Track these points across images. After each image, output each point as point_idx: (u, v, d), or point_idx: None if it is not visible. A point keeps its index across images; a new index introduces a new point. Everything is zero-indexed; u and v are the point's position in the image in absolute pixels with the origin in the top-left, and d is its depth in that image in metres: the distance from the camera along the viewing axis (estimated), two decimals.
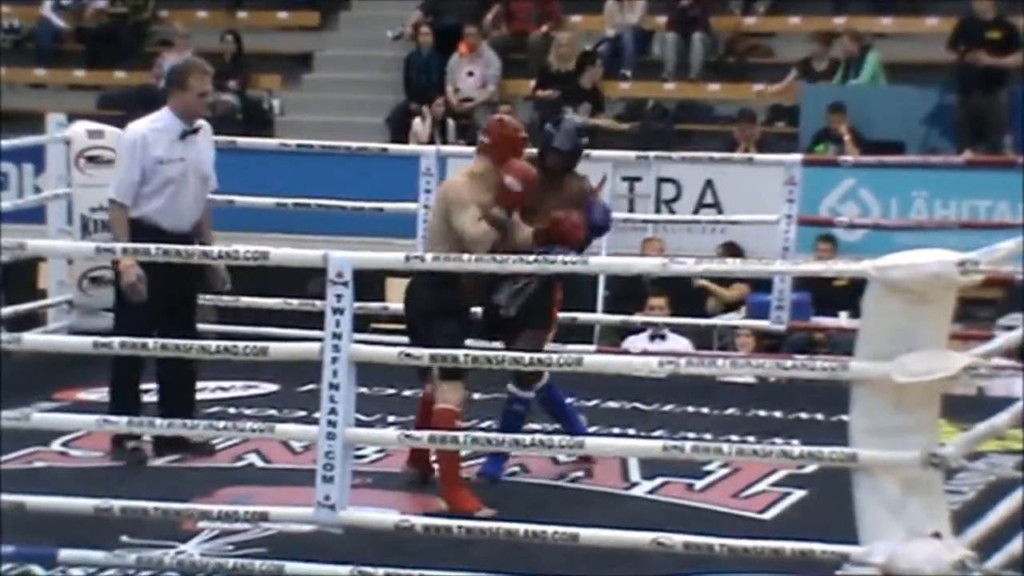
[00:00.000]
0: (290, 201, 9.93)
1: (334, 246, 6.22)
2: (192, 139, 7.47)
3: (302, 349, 5.87)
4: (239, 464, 7.33)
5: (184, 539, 6.16)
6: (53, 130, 9.74)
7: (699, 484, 6.94)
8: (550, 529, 5.50)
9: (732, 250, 12.84)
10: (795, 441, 7.11)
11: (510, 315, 7.02)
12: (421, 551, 5.75)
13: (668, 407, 8.34)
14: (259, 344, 5.82)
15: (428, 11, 16.92)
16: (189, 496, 6.56)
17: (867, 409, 5.28)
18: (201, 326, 9.69)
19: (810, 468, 6.73)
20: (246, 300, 9.58)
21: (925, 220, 12.89)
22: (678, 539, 5.40)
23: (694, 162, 10.81)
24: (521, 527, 5.52)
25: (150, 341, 6.11)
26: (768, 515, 6.64)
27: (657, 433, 7.64)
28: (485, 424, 7.90)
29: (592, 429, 7.71)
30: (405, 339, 9.08)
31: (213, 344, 5.91)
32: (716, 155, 10.99)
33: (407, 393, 8.50)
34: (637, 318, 11.12)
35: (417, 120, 15.82)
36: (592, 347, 10.10)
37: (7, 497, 5.86)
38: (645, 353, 10.12)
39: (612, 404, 8.38)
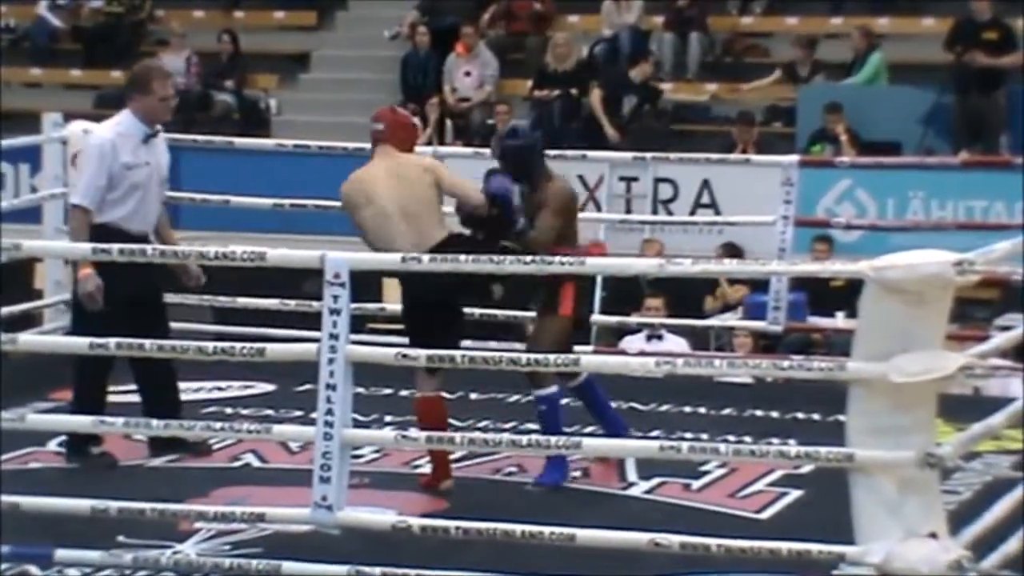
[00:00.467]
0: (287, 201, 9.93)
1: (331, 246, 6.21)
2: (153, 143, 7.48)
3: (299, 350, 5.87)
4: (236, 464, 7.32)
5: (181, 539, 6.16)
6: (49, 130, 9.73)
7: (696, 484, 6.94)
8: (547, 529, 5.50)
9: (732, 250, 12.85)
10: (792, 441, 7.11)
11: (501, 296, 7.05)
12: (418, 551, 5.75)
13: (665, 407, 8.34)
14: (256, 345, 5.83)
15: (425, 11, 16.92)
16: (186, 496, 6.56)
17: (864, 409, 5.28)
18: (198, 327, 9.74)
19: (807, 468, 6.73)
20: (243, 301, 9.58)
21: (922, 221, 12.90)
22: (675, 539, 5.40)
23: (691, 163, 10.81)
24: (518, 527, 5.53)
25: (146, 342, 6.09)
26: (765, 515, 6.64)
27: (654, 433, 7.64)
28: (482, 424, 7.91)
29: (588, 429, 7.71)
30: (402, 339, 9.12)
31: (210, 345, 5.92)
32: (713, 156, 10.99)
33: (404, 393, 8.51)
34: (634, 319, 11.12)
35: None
36: (589, 347, 10.10)
37: (3, 498, 5.85)
38: (642, 353, 10.13)
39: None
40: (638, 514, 6.56)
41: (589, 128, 15.36)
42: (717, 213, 13.66)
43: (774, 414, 8.24)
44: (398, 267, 5.90)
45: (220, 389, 8.66)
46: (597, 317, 11.56)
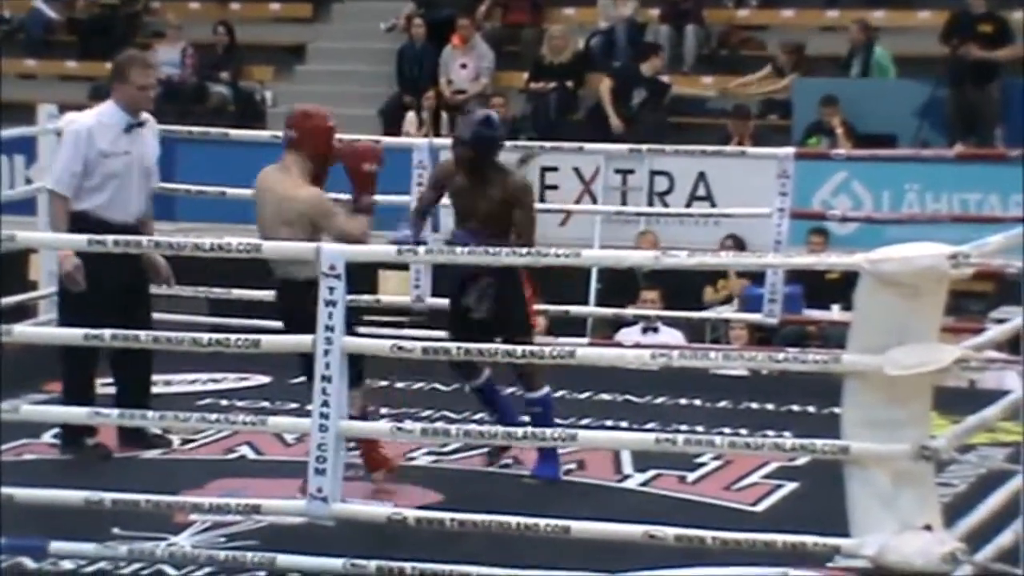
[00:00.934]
0: None
1: (327, 238, 6.22)
2: (137, 132, 7.40)
3: (295, 341, 5.87)
4: (231, 456, 7.32)
5: (176, 531, 6.15)
6: (45, 121, 9.72)
7: (691, 476, 6.94)
8: (542, 522, 5.50)
9: (736, 243, 12.87)
10: (787, 433, 7.12)
11: (483, 316, 6.92)
12: (413, 543, 5.75)
13: (660, 400, 8.35)
14: (251, 336, 5.82)
15: (421, 3, 16.90)
16: (181, 488, 6.55)
17: (859, 402, 5.28)
18: (193, 318, 9.72)
19: (802, 460, 6.73)
20: (238, 292, 9.57)
21: (917, 213, 12.90)
22: (670, 532, 5.41)
23: (687, 155, 10.80)
24: (513, 520, 5.53)
25: (141, 333, 6.10)
26: (760, 507, 6.64)
27: (649, 426, 7.65)
28: (477, 417, 7.90)
29: (585, 422, 7.71)
30: (399, 331, 9.12)
31: (205, 336, 5.92)
32: (709, 148, 10.99)
33: (399, 385, 8.52)
34: (630, 311, 11.12)
35: (410, 114, 15.81)
36: (585, 340, 10.10)
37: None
38: (638, 346, 10.13)
39: (604, 397, 8.38)
40: (633, 506, 6.56)
41: (591, 119, 15.35)
42: (713, 206, 13.66)
43: (769, 406, 8.24)
44: (395, 259, 5.88)
45: (215, 381, 8.66)
46: (592, 309, 11.60)
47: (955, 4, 14.95)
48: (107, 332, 5.94)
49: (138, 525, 6.04)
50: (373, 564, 5.57)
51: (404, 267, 9.69)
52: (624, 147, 11.17)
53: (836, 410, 5.42)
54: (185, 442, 7.46)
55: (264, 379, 8.62)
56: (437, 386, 8.60)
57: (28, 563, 5.88)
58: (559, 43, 15.89)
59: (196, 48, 16.89)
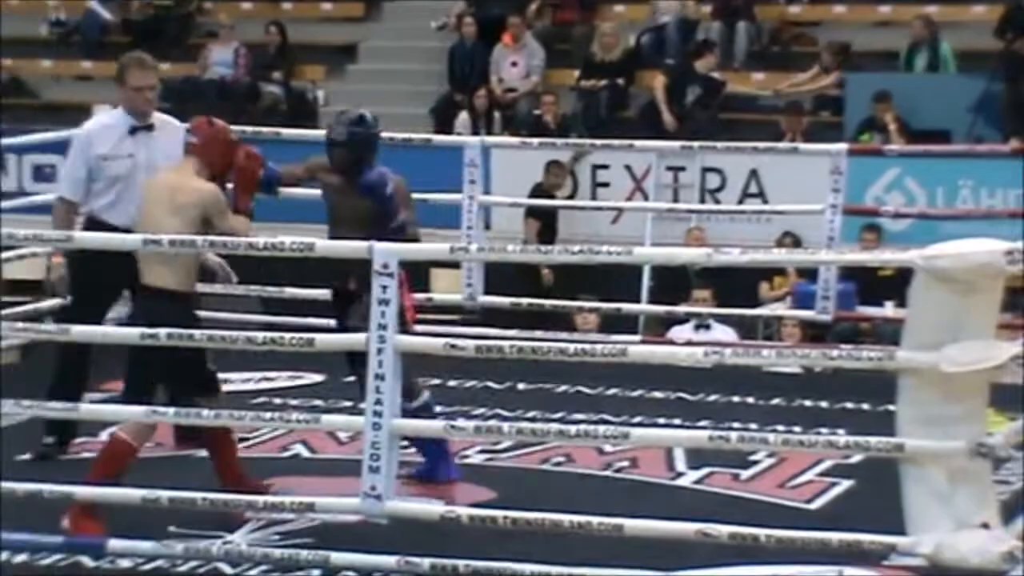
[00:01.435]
0: None
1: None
2: (146, 135, 7.27)
3: (348, 340, 5.88)
4: (285, 455, 7.35)
5: (231, 529, 6.18)
6: None
7: (745, 474, 6.93)
8: (595, 520, 5.50)
9: (793, 240, 12.84)
10: (841, 431, 7.09)
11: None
12: (466, 541, 5.76)
13: (713, 397, 8.33)
14: (305, 335, 5.83)
15: (472, 1, 16.91)
16: None
17: (914, 399, 5.26)
18: (246, 317, 9.75)
19: (857, 458, 6.71)
20: (291, 291, 9.60)
21: (971, 209, 12.83)
22: (724, 530, 5.40)
23: (739, 152, 10.76)
24: (566, 518, 5.53)
25: (197, 332, 6.10)
26: (815, 505, 6.62)
27: (702, 423, 7.63)
28: (530, 414, 7.91)
29: (637, 419, 7.70)
30: (451, 329, 9.13)
31: (260, 335, 5.94)
32: (761, 144, 10.94)
33: (452, 383, 8.53)
34: (682, 308, 11.11)
35: (462, 113, 15.82)
36: (636, 337, 10.09)
37: (56, 488, 5.88)
38: (690, 344, 10.11)
39: (657, 394, 8.37)
40: (687, 504, 6.55)
41: (642, 117, 15.33)
42: (765, 203, 13.61)
43: (823, 404, 8.22)
44: (447, 257, 5.89)
45: (269, 380, 8.69)
46: (644, 307, 11.58)
47: None
48: (163, 332, 5.96)
49: (194, 523, 6.07)
50: (427, 562, 5.58)
51: (456, 265, 9.71)
52: (676, 144, 11.15)
53: (891, 407, 5.40)
54: (240, 440, 7.48)
55: (318, 377, 8.65)
56: (490, 384, 8.61)
57: (87, 561, 5.92)
58: (610, 40, 15.87)
59: (248, 48, 16.96)
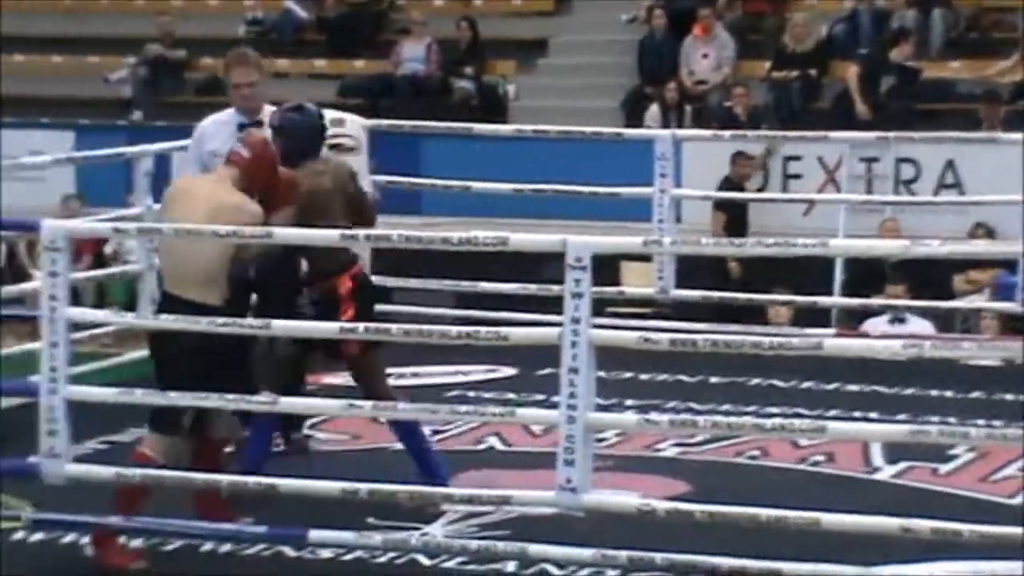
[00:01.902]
0: (527, 187, 9.98)
1: (570, 231, 6.22)
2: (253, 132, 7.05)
3: (542, 334, 5.88)
4: (480, 447, 7.41)
5: (429, 520, 6.24)
6: None
7: (944, 469, 6.83)
8: (792, 514, 5.46)
9: (986, 231, 12.61)
10: None
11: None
12: (662, 534, 5.75)
13: (909, 391, 8.22)
14: (499, 329, 5.86)
15: None
16: None
17: None
18: (440, 311, 9.83)
19: None
20: (484, 285, 9.67)
21: None
22: (926, 524, 5.32)
23: (934, 142, 10.61)
24: (763, 512, 5.49)
25: (393, 327, 6.13)
26: (1017, 500, 6.51)
27: (900, 417, 7.54)
28: (724, 408, 7.88)
29: (832, 413, 7.64)
30: (643, 323, 9.12)
31: (454, 329, 5.97)
32: (957, 135, 10.77)
33: (644, 377, 8.53)
34: (876, 301, 10.97)
35: (653, 106, 15.78)
36: (830, 331, 9.99)
37: (259, 480, 5.98)
38: (886, 336, 9.99)
39: (852, 388, 8.29)
40: (885, 499, 6.48)
41: (835, 107, 15.16)
42: (961, 193, 13.38)
43: None
44: (641, 250, 5.87)
45: (463, 373, 8.76)
46: (837, 299, 11.46)
47: None
48: (360, 325, 6.02)
49: (393, 514, 6.14)
50: (624, 554, 5.58)
51: (647, 258, 9.70)
52: (870, 135, 11.02)
53: None
54: (434, 433, 7.56)
55: (511, 371, 8.70)
56: (682, 377, 8.60)
57: (288, 552, 6.02)
58: (801, 31, 15.72)
59: (440, 44, 17.09)
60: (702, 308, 9.68)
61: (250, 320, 6.31)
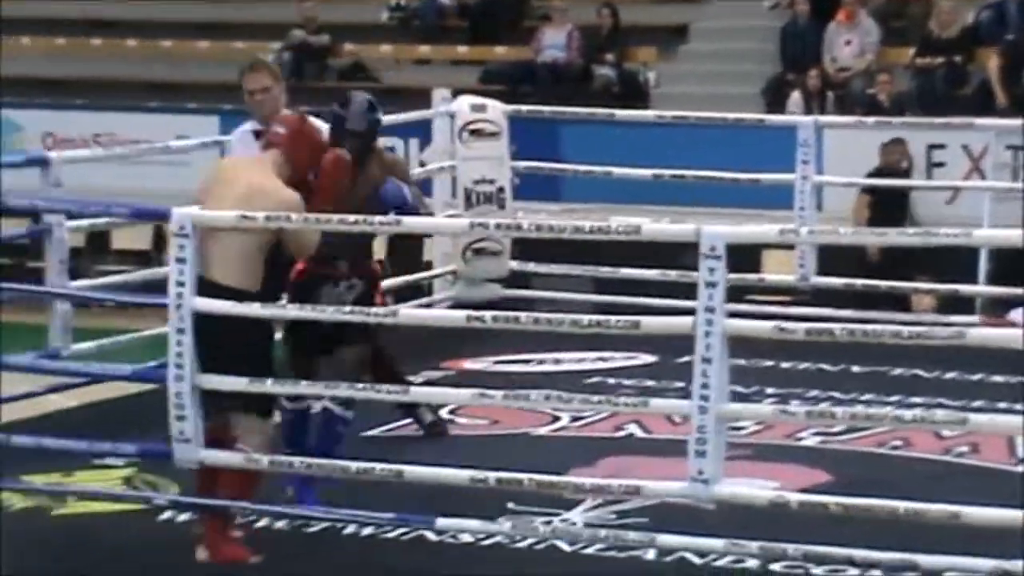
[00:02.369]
0: (667, 172, 9.96)
1: (710, 217, 6.23)
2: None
3: (675, 323, 5.84)
4: (620, 434, 7.41)
5: (568, 507, 6.25)
6: (438, 105, 9.99)
7: None
8: (931, 507, 5.39)
9: None
10: None
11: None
12: (797, 526, 5.72)
13: None
14: (631, 318, 5.82)
15: None
16: (572, 465, 6.66)
17: None
18: (579, 296, 9.84)
19: None
20: (623, 272, 9.68)
21: None
22: None
23: None
24: (900, 505, 5.43)
25: (522, 315, 6.08)
26: None
27: None
28: (865, 398, 7.82)
29: (976, 404, 7.55)
30: (782, 310, 9.07)
31: (585, 318, 5.96)
32: None
33: (784, 365, 8.49)
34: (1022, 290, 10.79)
35: (795, 93, 15.66)
36: (974, 319, 9.87)
37: (385, 466, 5.99)
38: None
39: (997, 379, 8.17)
40: None
41: (981, 95, 14.94)
42: None
43: None
44: (777, 240, 5.83)
45: (603, 360, 8.77)
46: (982, 288, 11.31)
47: None
48: (488, 314, 6.02)
49: (533, 500, 6.16)
50: (755, 545, 5.56)
51: (788, 246, 9.64)
52: (1016, 122, 10.86)
53: None
54: (574, 420, 7.59)
55: (650, 358, 8.69)
56: (823, 366, 8.54)
57: (430, 536, 6.05)
58: (947, 17, 15.51)
59: (581, 31, 17.08)
60: (843, 296, 9.61)
61: (375, 309, 6.31)
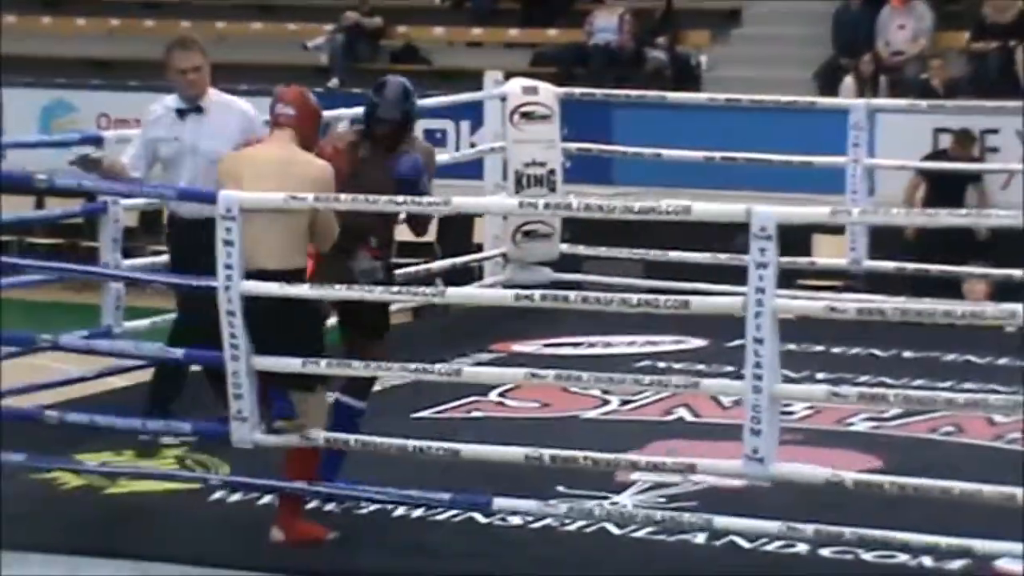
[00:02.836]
0: (718, 155, 9.93)
1: (761, 201, 6.15)
2: (196, 118, 6.99)
3: (724, 303, 5.83)
4: (669, 418, 7.40)
5: (618, 490, 6.25)
6: (490, 87, 9.98)
7: None
8: (987, 488, 5.36)
9: None
10: None
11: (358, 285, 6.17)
12: (852, 508, 5.70)
13: None
14: (680, 298, 5.80)
15: None
16: (623, 448, 6.65)
17: None
18: (629, 280, 9.82)
19: None
20: (674, 255, 9.66)
21: None
22: None
23: None
24: (956, 485, 5.40)
25: (571, 294, 6.03)
26: None
27: None
28: (917, 382, 7.77)
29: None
30: (834, 296, 9.03)
31: (634, 297, 5.94)
32: None
33: (835, 350, 8.45)
34: None
35: (847, 78, 15.58)
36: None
37: (441, 445, 5.99)
38: None
39: None
40: None
41: None
42: None
43: None
44: (828, 220, 5.79)
45: (652, 343, 8.76)
46: None
47: None
48: (537, 293, 5.99)
49: (583, 483, 6.16)
50: (810, 528, 5.54)
51: (840, 230, 9.60)
52: None
53: None
54: (624, 403, 7.58)
55: (700, 342, 8.67)
56: (875, 351, 8.50)
57: (479, 519, 6.06)
58: (1002, 2, 15.41)
59: (634, 14, 17.05)
60: (895, 281, 9.56)
61: (422, 288, 6.27)
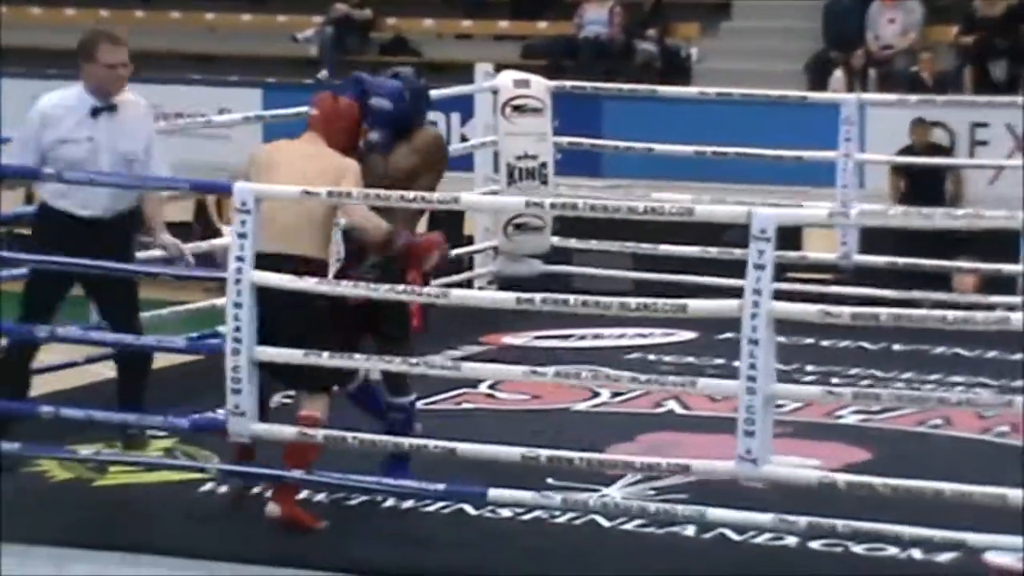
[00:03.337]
0: (708, 149, 9.95)
1: (751, 195, 6.22)
2: (109, 117, 6.54)
3: (722, 306, 5.83)
4: (659, 410, 7.42)
5: (607, 483, 6.27)
6: (480, 80, 9.98)
7: None
8: (977, 489, 5.39)
9: None
10: None
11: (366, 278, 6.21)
12: (844, 503, 5.72)
13: None
14: (678, 301, 5.79)
15: None
16: (611, 440, 6.68)
17: None
18: (618, 273, 9.83)
19: None
20: (664, 248, 9.67)
21: None
22: None
23: None
24: (947, 487, 5.42)
25: (571, 298, 6.04)
26: None
27: None
28: (906, 376, 7.80)
29: (1018, 384, 7.51)
30: (824, 289, 9.05)
31: (633, 301, 5.95)
32: None
33: (825, 344, 8.48)
34: None
35: (837, 71, 15.61)
36: (1017, 299, 9.83)
37: (438, 442, 6.02)
38: None
39: None
40: None
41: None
42: None
43: None
44: (827, 222, 5.82)
45: (642, 336, 8.78)
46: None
47: None
48: (538, 296, 6.01)
49: (571, 476, 6.18)
50: (803, 520, 5.56)
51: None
52: None
53: None
54: (614, 396, 7.60)
55: (690, 335, 8.69)
56: (864, 345, 8.53)
57: (469, 510, 6.08)
58: None
59: (623, 6, 17.05)
60: (884, 274, 9.59)
61: (425, 289, 6.27)
